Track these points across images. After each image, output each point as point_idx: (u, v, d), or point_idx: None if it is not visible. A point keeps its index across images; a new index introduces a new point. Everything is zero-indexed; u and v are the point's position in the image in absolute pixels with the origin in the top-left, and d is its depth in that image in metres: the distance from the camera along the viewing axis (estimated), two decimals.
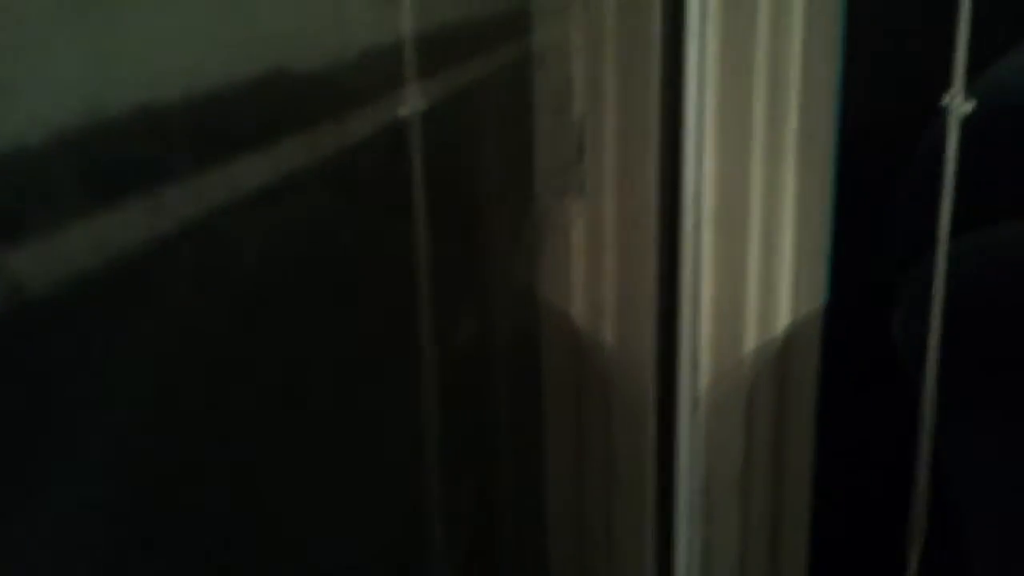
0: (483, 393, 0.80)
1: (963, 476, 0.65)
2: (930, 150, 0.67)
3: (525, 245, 0.74)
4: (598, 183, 0.68)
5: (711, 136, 0.63)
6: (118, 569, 0.46)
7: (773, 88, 0.63)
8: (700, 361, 0.67)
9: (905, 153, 0.70)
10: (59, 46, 0.44)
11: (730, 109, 0.63)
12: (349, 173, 0.69)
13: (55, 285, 0.43)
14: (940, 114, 0.67)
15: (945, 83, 0.60)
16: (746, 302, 0.67)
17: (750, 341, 0.68)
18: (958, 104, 0.56)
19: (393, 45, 0.66)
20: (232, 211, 0.60)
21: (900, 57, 0.76)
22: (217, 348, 0.59)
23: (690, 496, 0.69)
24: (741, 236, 0.66)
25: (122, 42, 0.50)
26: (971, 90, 0.58)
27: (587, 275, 0.71)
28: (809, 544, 0.74)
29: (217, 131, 0.59)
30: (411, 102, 0.67)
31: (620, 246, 0.69)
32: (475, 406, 0.80)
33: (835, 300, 0.68)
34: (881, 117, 0.72)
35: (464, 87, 0.73)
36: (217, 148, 0.58)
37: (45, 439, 0.42)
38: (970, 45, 0.56)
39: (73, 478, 0.44)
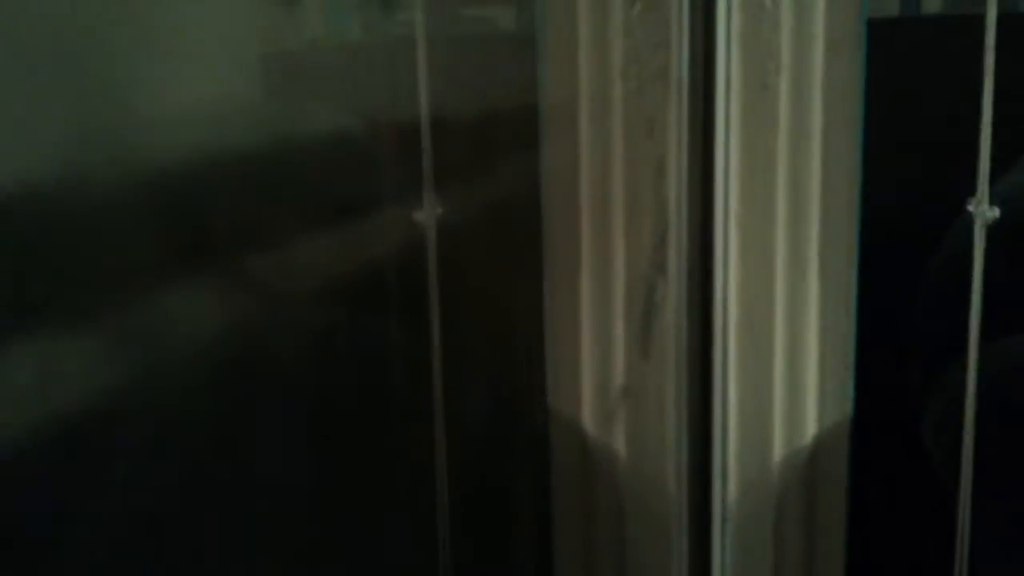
0: (489, 501, 0.79)
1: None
2: (950, 256, 0.68)
3: (535, 350, 0.73)
4: (610, 297, 0.68)
5: (735, 245, 0.63)
6: None
7: (795, 199, 0.64)
8: (729, 473, 0.66)
9: (926, 260, 0.70)
10: None
11: (754, 220, 0.64)
12: (366, 274, 0.69)
13: None
14: (954, 221, 0.68)
15: (959, 189, 0.61)
16: (773, 412, 0.66)
17: (778, 451, 0.67)
18: (984, 210, 0.57)
19: (411, 152, 0.67)
20: (249, 306, 0.60)
21: (917, 166, 0.77)
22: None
23: None
24: (767, 347, 0.65)
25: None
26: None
27: (596, 380, 0.70)
28: None
29: (233, 229, 0.59)
30: (427, 207, 0.67)
31: (631, 362, 0.68)
32: (481, 516, 0.78)
33: (863, 408, 0.67)
34: (901, 225, 0.73)
35: (477, 194, 0.74)
36: (234, 245, 0.58)
37: None
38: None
39: None
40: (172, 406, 0.54)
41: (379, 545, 0.69)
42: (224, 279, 0.57)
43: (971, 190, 0.58)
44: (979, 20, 0.57)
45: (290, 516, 0.63)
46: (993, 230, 0.58)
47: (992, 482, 0.61)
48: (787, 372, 0.66)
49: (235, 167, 0.57)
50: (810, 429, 0.67)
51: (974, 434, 0.60)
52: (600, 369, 0.69)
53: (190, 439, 0.55)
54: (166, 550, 0.53)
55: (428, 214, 0.67)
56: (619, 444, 0.69)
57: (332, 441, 0.67)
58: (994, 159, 0.59)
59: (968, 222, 0.59)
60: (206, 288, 0.56)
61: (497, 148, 0.75)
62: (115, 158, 0.51)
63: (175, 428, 0.54)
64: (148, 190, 0.54)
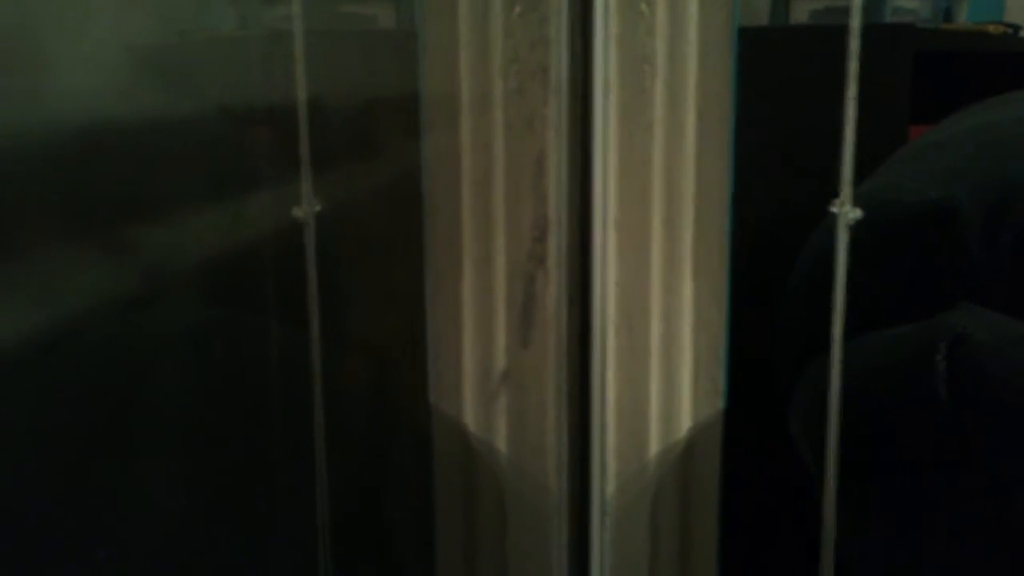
0: (370, 497, 0.78)
1: (861, 564, 0.67)
2: (815, 256, 0.70)
3: (417, 346, 0.73)
4: (490, 288, 0.68)
5: (613, 242, 0.65)
6: None
7: (669, 198, 0.66)
8: (607, 467, 0.67)
9: (792, 260, 0.73)
10: None
11: (630, 217, 0.65)
12: (244, 271, 0.68)
13: None
14: (819, 222, 0.71)
15: (824, 191, 0.63)
16: (649, 407, 0.68)
17: (654, 446, 0.68)
18: (846, 211, 0.60)
19: (290, 148, 0.66)
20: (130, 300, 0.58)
21: (786, 168, 0.80)
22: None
23: None
24: (643, 342, 0.67)
25: None
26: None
27: (478, 372, 0.70)
28: None
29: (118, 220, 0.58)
30: (305, 203, 0.67)
31: (512, 351, 0.69)
32: (362, 512, 0.78)
33: (734, 402, 0.70)
34: (770, 225, 0.75)
35: (358, 190, 0.74)
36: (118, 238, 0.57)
37: None
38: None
39: None
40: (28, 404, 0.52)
41: (256, 545, 0.68)
42: (87, 274, 0.56)
43: (834, 192, 0.60)
44: (843, 31, 0.59)
45: (159, 516, 0.61)
46: (855, 230, 0.61)
47: (852, 473, 0.63)
48: (663, 367, 0.68)
49: (101, 161, 0.56)
50: (685, 423, 0.69)
51: (838, 427, 0.62)
52: (481, 362, 0.69)
53: (49, 437, 0.53)
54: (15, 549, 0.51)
55: (306, 211, 0.67)
56: (500, 439, 0.70)
57: (206, 442, 0.65)
58: (857, 163, 0.62)
59: (831, 222, 0.61)
60: (69, 283, 0.54)
61: (378, 145, 0.75)
62: None
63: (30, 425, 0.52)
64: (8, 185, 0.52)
